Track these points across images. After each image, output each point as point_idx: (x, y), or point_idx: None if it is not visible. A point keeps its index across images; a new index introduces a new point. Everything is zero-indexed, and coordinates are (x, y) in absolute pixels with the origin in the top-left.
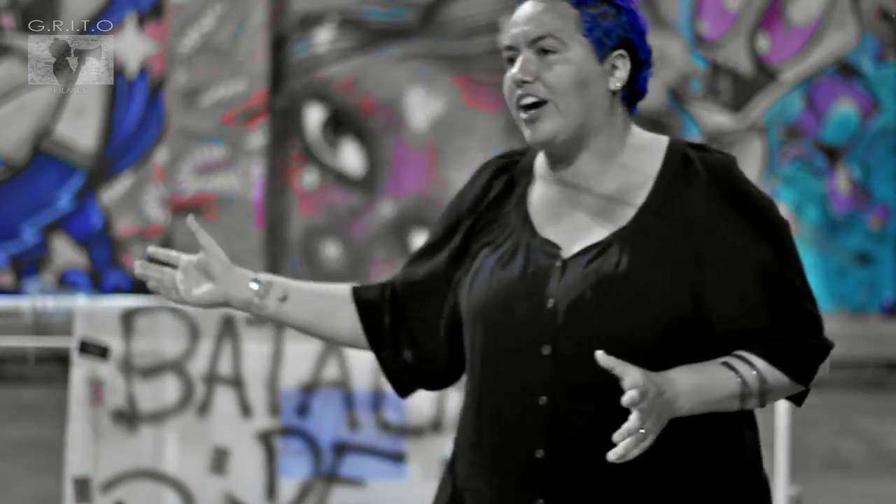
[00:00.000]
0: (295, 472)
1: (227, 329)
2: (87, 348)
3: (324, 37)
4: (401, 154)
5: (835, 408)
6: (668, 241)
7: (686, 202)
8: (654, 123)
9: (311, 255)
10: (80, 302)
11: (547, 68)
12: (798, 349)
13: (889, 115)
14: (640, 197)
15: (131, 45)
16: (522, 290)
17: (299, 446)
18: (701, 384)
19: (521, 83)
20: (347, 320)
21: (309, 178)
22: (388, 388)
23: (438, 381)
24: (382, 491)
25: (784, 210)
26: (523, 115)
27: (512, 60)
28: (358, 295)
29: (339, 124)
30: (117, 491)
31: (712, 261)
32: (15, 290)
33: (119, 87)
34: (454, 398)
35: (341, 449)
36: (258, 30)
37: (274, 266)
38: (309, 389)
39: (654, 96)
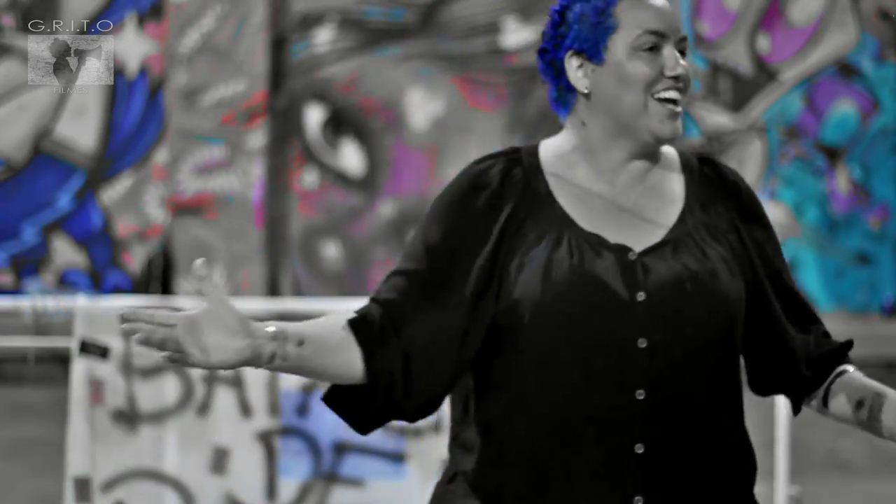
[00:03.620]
0: (295, 472)
1: None
2: (87, 348)
3: (324, 37)
4: (401, 154)
5: None
6: (718, 242)
7: (719, 208)
8: None
9: (311, 255)
10: (80, 302)
11: (685, 69)
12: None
13: (889, 115)
14: (678, 200)
15: (131, 45)
16: (599, 284)
17: (299, 446)
18: None
19: (680, 77)
20: (350, 352)
21: (309, 178)
22: None
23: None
24: (382, 491)
25: (783, 210)
26: (673, 108)
27: (654, 48)
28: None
29: (339, 124)
30: (117, 491)
31: (756, 267)
32: (15, 290)
33: (119, 87)
34: None
35: (341, 449)
36: (258, 30)
37: (274, 266)
38: (309, 389)
39: None
